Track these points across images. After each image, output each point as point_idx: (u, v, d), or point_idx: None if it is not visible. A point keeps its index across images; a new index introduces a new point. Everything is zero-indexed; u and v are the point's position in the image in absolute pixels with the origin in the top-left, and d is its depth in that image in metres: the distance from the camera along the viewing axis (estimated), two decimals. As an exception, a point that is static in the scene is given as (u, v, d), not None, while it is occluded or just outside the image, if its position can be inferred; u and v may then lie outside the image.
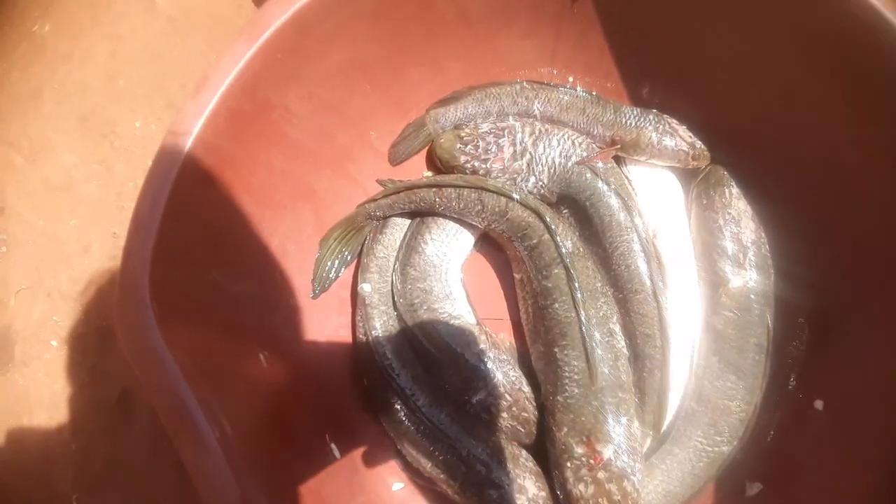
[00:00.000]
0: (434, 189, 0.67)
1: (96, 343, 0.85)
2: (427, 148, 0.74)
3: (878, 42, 0.52)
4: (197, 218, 0.53)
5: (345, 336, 0.70)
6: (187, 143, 0.51)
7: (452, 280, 0.71)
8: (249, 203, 0.59)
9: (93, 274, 0.86)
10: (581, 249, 0.68)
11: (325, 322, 0.69)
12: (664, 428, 0.69)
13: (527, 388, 0.69)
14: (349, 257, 0.70)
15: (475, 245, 0.75)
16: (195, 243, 0.54)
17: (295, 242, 0.65)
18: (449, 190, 0.67)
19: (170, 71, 0.88)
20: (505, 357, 0.69)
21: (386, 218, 0.72)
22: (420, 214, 0.72)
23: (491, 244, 0.75)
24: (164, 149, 0.51)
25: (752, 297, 0.68)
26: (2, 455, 0.85)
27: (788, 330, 0.70)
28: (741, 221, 0.69)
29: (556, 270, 0.66)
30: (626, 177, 0.72)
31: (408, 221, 0.73)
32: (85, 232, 0.87)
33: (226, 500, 0.45)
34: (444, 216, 0.71)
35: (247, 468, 0.48)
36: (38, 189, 0.89)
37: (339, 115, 0.64)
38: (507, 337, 0.73)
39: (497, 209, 0.67)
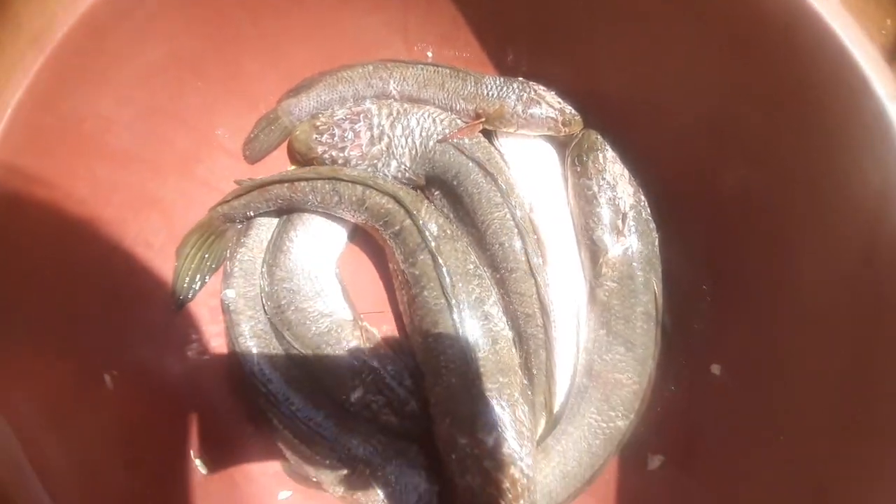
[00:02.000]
0: (287, 184, 0.64)
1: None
2: (286, 142, 0.70)
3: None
4: (9, 240, 0.50)
5: (218, 346, 0.68)
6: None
7: (324, 277, 0.68)
8: (75, 218, 0.55)
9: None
10: (449, 231, 0.65)
11: (193, 334, 0.66)
12: (557, 408, 0.67)
13: (408, 381, 0.66)
14: (212, 264, 0.67)
15: (349, 237, 0.71)
16: (13, 263, 0.50)
17: (145, 254, 0.62)
18: (302, 184, 0.64)
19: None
20: (383, 352, 0.66)
21: (249, 219, 0.69)
22: (286, 212, 0.69)
23: (369, 234, 0.72)
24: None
25: (634, 264, 0.65)
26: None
27: (682, 296, 0.67)
28: (617, 186, 0.65)
29: (421, 257, 0.63)
30: (498, 150, 0.68)
31: (275, 221, 0.70)
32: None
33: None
34: (311, 211, 0.68)
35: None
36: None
37: (171, 117, 0.60)
38: (389, 329, 0.70)
39: (354, 199, 0.64)
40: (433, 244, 0.62)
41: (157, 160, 0.61)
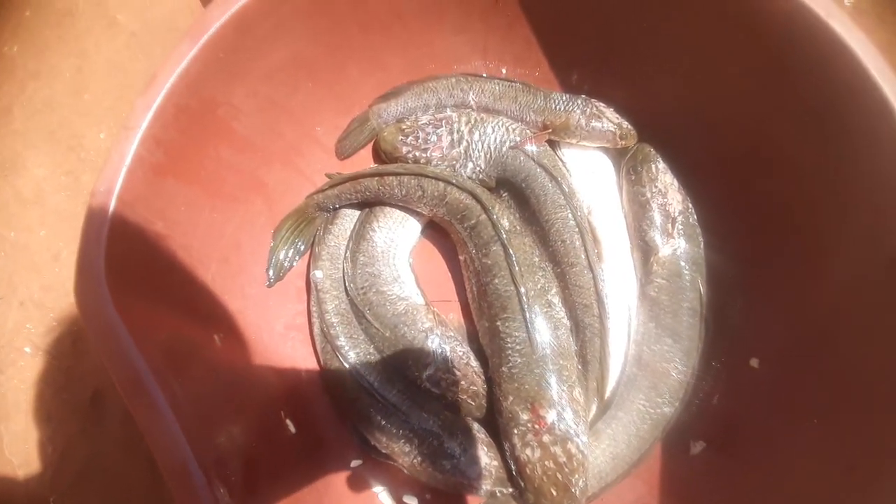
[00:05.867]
0: (377, 178, 0.71)
1: (69, 347, 0.88)
2: (372, 142, 0.78)
3: (793, 29, 0.57)
4: (150, 205, 0.57)
5: (301, 322, 0.74)
6: (137, 137, 0.55)
7: (400, 264, 0.75)
8: (200, 194, 0.63)
9: (63, 281, 0.90)
10: (518, 227, 0.72)
11: (281, 309, 0.72)
12: (608, 394, 0.73)
13: (475, 363, 0.73)
14: (302, 247, 0.74)
15: (422, 232, 0.79)
16: (148, 229, 0.57)
17: (248, 233, 0.69)
18: (390, 178, 0.71)
19: (133, 83, 0.93)
20: (452, 334, 0.73)
21: (336, 209, 0.76)
22: (368, 205, 0.76)
23: (439, 231, 0.79)
24: (116, 143, 0.55)
25: (682, 263, 0.72)
26: (-20, 463, 0.87)
27: (725, 297, 0.74)
28: (668, 194, 0.73)
29: (494, 248, 0.70)
30: (561, 159, 0.76)
31: (357, 212, 0.77)
32: (54, 241, 0.91)
33: (176, 459, 0.48)
34: (391, 205, 0.76)
35: (198, 432, 0.51)
36: (9, 202, 0.93)
37: (284, 112, 0.68)
38: (456, 317, 0.77)
39: (436, 193, 0.71)
40: (505, 237, 0.70)
41: (267, 149, 0.69)
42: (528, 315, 0.68)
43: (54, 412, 0.88)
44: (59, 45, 0.94)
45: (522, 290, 0.68)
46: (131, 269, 0.56)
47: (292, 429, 0.65)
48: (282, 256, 0.72)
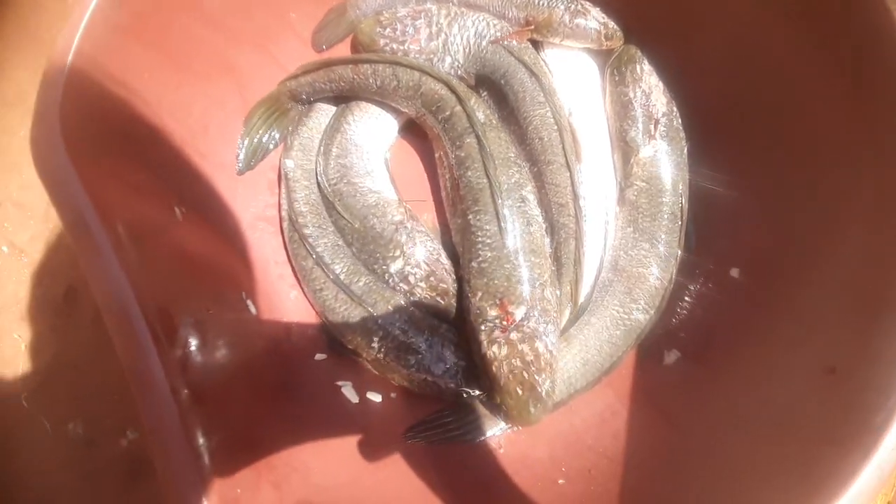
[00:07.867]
0: (351, 65, 0.70)
1: (44, 245, 0.88)
2: (351, 36, 0.76)
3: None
4: (111, 65, 0.56)
5: (272, 215, 0.73)
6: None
7: (375, 159, 0.73)
8: (167, 66, 0.61)
9: (43, 181, 0.89)
10: (494, 121, 0.70)
11: (251, 199, 0.71)
12: (582, 299, 0.71)
13: (446, 261, 0.71)
14: (277, 137, 0.73)
15: (400, 131, 0.77)
16: (109, 88, 0.56)
17: (218, 115, 0.68)
18: (364, 66, 0.69)
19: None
20: (423, 229, 0.71)
21: (311, 103, 0.74)
22: (345, 100, 0.75)
23: (418, 135, 0.77)
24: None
25: (663, 165, 0.70)
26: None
27: (709, 207, 0.71)
28: (652, 95, 0.71)
29: (468, 140, 0.68)
30: (543, 60, 0.74)
31: (333, 108, 0.75)
32: (36, 142, 0.90)
33: (116, 301, 0.47)
34: (367, 100, 0.74)
35: (145, 277, 0.50)
36: (-8, 105, 0.93)
37: (253, -10, 0.67)
38: (430, 217, 0.75)
39: (411, 84, 0.69)
40: (479, 129, 0.68)
41: (238, 29, 0.67)
42: (499, 208, 0.66)
43: (26, 310, 0.87)
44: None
45: (495, 182, 0.66)
46: (86, 126, 0.54)
47: (252, 309, 0.64)
48: (254, 144, 0.71)
